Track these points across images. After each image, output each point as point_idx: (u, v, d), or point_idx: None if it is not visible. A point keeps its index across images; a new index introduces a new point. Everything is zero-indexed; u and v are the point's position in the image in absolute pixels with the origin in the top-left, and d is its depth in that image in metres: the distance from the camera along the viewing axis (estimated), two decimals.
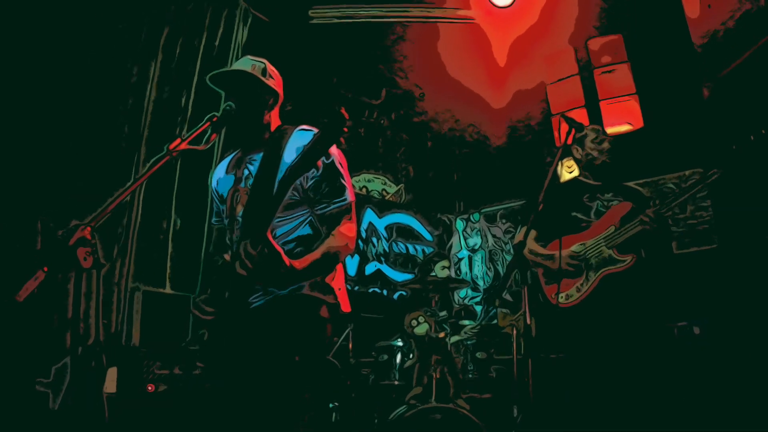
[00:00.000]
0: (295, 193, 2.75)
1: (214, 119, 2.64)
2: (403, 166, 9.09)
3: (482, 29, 8.02)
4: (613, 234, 4.03)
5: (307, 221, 2.80)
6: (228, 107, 2.72)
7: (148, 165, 2.36)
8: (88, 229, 2.02)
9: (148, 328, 5.82)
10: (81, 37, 5.56)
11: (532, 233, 4.29)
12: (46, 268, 1.91)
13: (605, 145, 4.25)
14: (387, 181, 8.82)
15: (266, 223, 2.44)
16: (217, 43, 6.89)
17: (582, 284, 4.08)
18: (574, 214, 4.24)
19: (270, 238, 2.44)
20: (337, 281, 2.85)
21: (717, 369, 4.76)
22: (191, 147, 2.49)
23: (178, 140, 2.45)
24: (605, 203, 4.18)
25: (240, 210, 2.83)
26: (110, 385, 4.71)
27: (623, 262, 3.99)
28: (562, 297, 4.09)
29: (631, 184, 4.40)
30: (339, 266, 2.90)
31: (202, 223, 6.35)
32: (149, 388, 4.88)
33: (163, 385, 4.96)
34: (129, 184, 2.28)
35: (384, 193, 8.74)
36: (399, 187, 8.91)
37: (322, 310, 2.76)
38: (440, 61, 8.04)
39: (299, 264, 2.58)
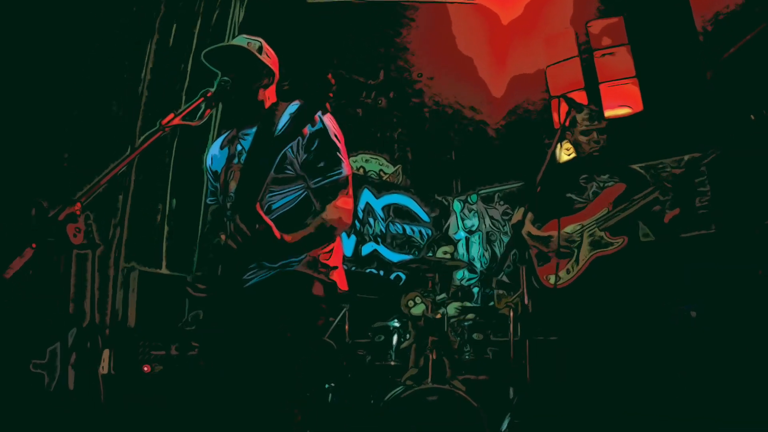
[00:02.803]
0: (290, 168, 2.72)
1: (209, 94, 2.60)
2: (401, 147, 9.05)
3: (484, 11, 7.97)
4: (606, 215, 4.01)
5: (302, 196, 2.76)
6: (223, 82, 2.68)
7: (140, 140, 2.33)
8: (78, 205, 1.99)
9: (144, 308, 5.81)
10: (76, 16, 5.52)
11: (529, 216, 4.26)
12: (34, 245, 1.88)
13: (593, 135, 4.20)
14: (384, 161, 8.79)
15: (255, 196, 2.41)
16: (213, 22, 6.82)
17: (572, 266, 4.06)
18: (568, 195, 4.21)
19: (259, 210, 2.40)
20: (333, 260, 2.82)
21: (712, 352, 4.76)
22: (184, 123, 2.45)
23: (171, 115, 2.41)
24: (601, 184, 4.15)
25: (233, 186, 2.80)
26: (104, 366, 4.71)
27: (615, 245, 3.97)
28: (552, 278, 4.07)
29: (635, 167, 4.37)
30: (337, 245, 2.86)
31: (198, 202, 6.32)
32: (145, 368, 4.88)
33: (159, 365, 4.96)
34: (120, 159, 2.24)
35: (381, 173, 8.72)
36: (396, 167, 8.89)
37: (316, 288, 2.73)
38: (440, 42, 7.99)
39: (291, 237, 2.55)
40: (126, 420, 4.51)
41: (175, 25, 6.46)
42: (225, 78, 2.70)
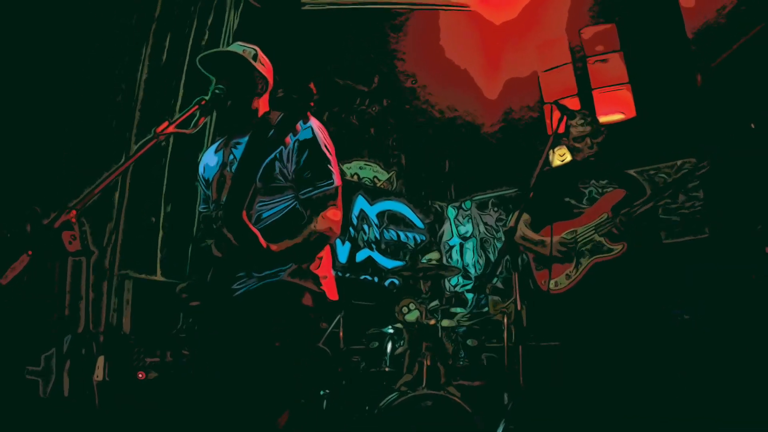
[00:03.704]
0: (280, 178, 2.72)
1: (203, 102, 2.61)
2: (395, 153, 9.06)
3: (477, 16, 8.00)
4: (604, 222, 4.02)
5: (292, 206, 2.76)
6: (218, 90, 2.68)
7: (134, 148, 2.34)
8: (73, 212, 2.00)
9: (138, 315, 5.80)
10: (71, 23, 5.52)
11: (525, 219, 4.27)
12: (30, 252, 1.89)
13: (587, 141, 4.22)
14: (378, 168, 8.79)
15: (241, 204, 2.41)
16: (207, 28, 6.84)
17: (571, 271, 4.07)
18: (566, 199, 4.22)
19: (245, 219, 2.41)
20: (322, 269, 2.81)
21: (707, 356, 4.77)
22: (179, 131, 2.45)
23: (166, 123, 2.42)
24: (599, 189, 4.16)
25: (225, 195, 2.79)
26: (98, 373, 4.70)
27: (614, 251, 3.98)
28: (551, 283, 4.08)
29: (631, 172, 4.39)
30: (326, 254, 2.86)
31: (193, 210, 6.32)
32: (139, 375, 4.87)
33: (154, 372, 4.95)
34: (115, 167, 2.25)
35: (375, 180, 8.72)
36: (390, 174, 8.89)
37: (304, 298, 2.72)
38: (434, 48, 8.01)
39: (277, 246, 2.54)
40: (120, 427, 4.50)
41: (169, 31, 6.47)
42: (219, 86, 2.70)
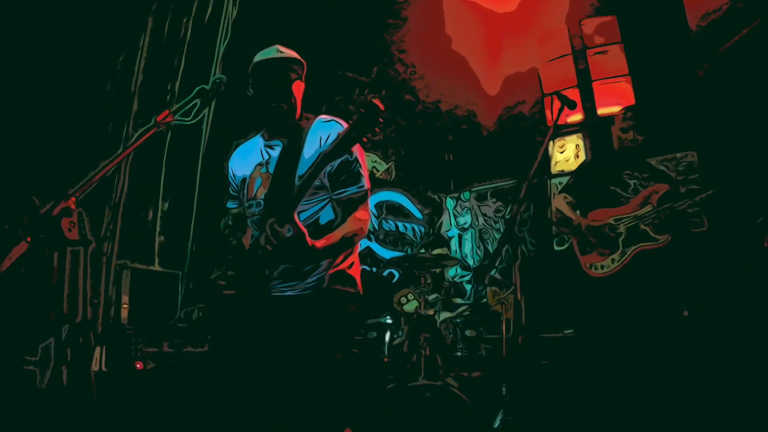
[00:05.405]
0: (318, 180, 2.80)
1: (204, 92, 2.61)
2: (394, 144, 9.04)
3: (478, 6, 7.99)
4: (650, 213, 4.08)
5: (326, 205, 2.90)
6: (218, 80, 2.69)
7: (134, 136, 2.33)
8: (72, 199, 1.99)
9: (136, 305, 5.80)
10: (70, 10, 5.50)
11: (568, 199, 4.35)
12: (29, 239, 1.88)
13: (630, 134, 4.33)
14: (377, 158, 8.78)
15: (294, 205, 2.57)
16: (206, 18, 6.81)
17: (618, 257, 4.12)
18: (612, 188, 4.30)
19: (296, 219, 2.56)
20: (354, 269, 2.97)
21: (706, 352, 4.77)
22: (179, 120, 2.46)
23: (167, 112, 2.42)
24: (642, 182, 4.23)
25: (261, 193, 2.91)
26: (96, 363, 4.70)
27: (658, 241, 4.03)
28: (597, 268, 4.14)
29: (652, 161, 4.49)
30: (356, 254, 3.01)
31: (191, 200, 6.33)
32: (137, 365, 4.87)
33: (152, 362, 4.95)
34: (115, 155, 2.24)
35: (374, 170, 8.71)
36: (389, 164, 8.88)
37: (349, 304, 2.92)
38: (435, 39, 8.00)
39: (320, 244, 2.68)
40: (118, 417, 4.50)
41: (168, 19, 6.45)
42: (220, 75, 2.72)
